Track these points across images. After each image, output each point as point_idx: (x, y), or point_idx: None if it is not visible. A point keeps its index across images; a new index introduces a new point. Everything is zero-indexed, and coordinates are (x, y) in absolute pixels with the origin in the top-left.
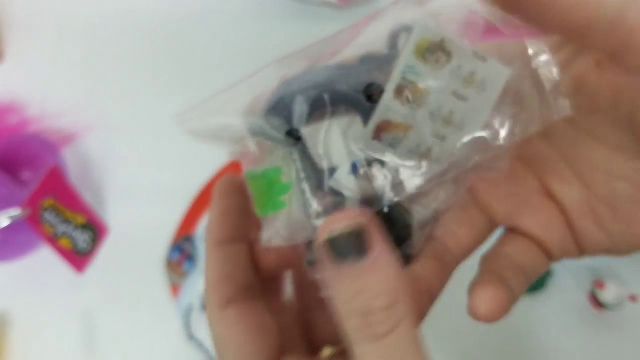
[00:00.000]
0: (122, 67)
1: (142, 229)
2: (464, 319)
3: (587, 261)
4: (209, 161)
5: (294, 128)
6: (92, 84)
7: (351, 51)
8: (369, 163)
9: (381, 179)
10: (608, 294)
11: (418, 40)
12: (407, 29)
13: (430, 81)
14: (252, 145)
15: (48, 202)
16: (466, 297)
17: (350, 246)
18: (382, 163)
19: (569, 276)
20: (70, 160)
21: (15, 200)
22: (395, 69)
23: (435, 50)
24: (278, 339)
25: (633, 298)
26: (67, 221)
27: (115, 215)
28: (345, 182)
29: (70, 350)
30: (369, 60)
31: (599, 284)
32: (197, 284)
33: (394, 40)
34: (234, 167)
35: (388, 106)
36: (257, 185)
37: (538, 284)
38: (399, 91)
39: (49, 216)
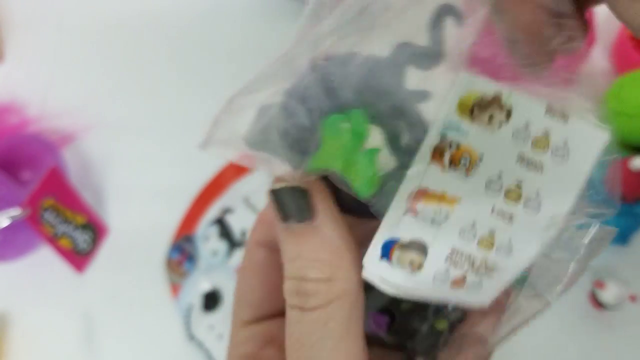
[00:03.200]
0: (122, 67)
1: (142, 229)
2: None
3: None
4: (209, 161)
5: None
6: (92, 84)
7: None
8: (406, 245)
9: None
10: (608, 294)
11: (462, 94)
12: (452, 11)
13: (482, 142)
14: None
15: (48, 202)
16: None
17: (294, 205)
18: (423, 249)
19: None
20: (70, 160)
21: (15, 200)
22: (432, 125)
23: (486, 106)
24: None
25: (633, 298)
26: (67, 221)
27: (115, 215)
28: (376, 270)
29: (70, 350)
30: (404, 51)
31: (599, 284)
32: (197, 283)
33: (435, 27)
34: (233, 167)
35: (422, 170)
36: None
37: None
38: (438, 153)
39: (49, 216)
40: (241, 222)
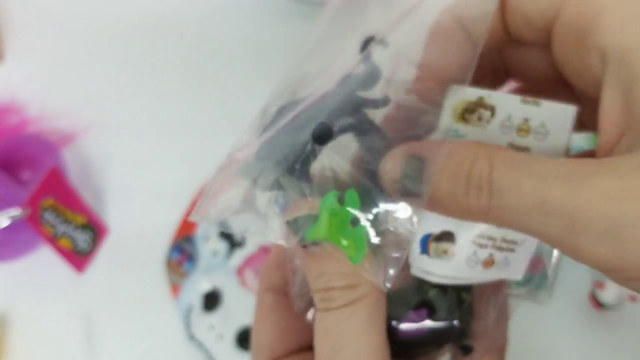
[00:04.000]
0: (122, 67)
1: (142, 229)
2: None
3: None
4: (209, 161)
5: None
6: (92, 84)
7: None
8: (438, 237)
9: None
10: (608, 294)
11: (453, 104)
12: (378, 41)
13: (478, 138)
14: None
15: (48, 202)
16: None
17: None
18: (452, 237)
19: (569, 276)
20: (70, 160)
21: (15, 200)
22: (435, 134)
23: (474, 109)
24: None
25: (633, 298)
26: (67, 221)
27: (115, 215)
28: (419, 264)
29: (70, 350)
30: (349, 82)
31: (599, 284)
32: (197, 283)
33: (367, 55)
34: None
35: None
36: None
37: (538, 284)
38: None
39: (49, 216)
40: (241, 222)
